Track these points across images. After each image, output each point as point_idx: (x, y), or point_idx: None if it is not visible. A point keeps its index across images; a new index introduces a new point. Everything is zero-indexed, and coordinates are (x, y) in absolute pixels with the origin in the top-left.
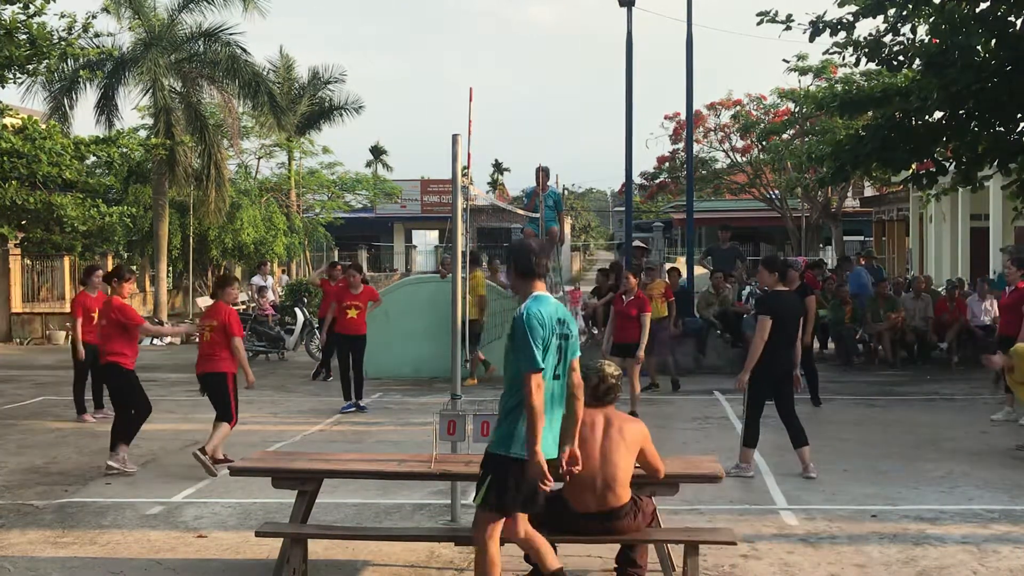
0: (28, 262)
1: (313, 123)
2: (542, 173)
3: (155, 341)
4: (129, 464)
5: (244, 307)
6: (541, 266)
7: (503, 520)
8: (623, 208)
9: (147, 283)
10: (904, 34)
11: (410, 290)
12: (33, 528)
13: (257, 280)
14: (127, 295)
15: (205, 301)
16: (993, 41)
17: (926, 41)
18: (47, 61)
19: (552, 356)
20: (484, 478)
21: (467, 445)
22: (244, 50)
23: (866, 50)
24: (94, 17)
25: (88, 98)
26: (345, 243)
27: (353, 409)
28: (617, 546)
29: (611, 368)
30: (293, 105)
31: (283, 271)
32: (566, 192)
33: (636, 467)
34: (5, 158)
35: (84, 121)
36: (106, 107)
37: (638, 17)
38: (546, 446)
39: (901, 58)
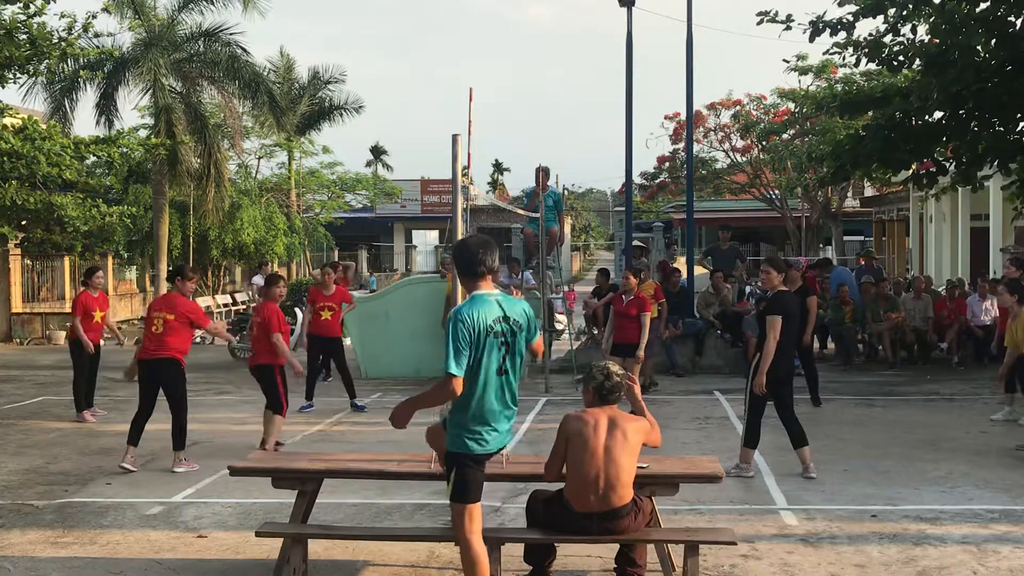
0: (28, 262)
1: (313, 123)
2: (542, 173)
3: None
4: (189, 463)
5: (244, 307)
6: (481, 265)
7: (478, 511)
8: (623, 208)
9: (147, 283)
10: (904, 34)
11: (410, 290)
12: (33, 528)
13: (258, 280)
14: (189, 293)
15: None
16: (993, 41)
17: (926, 41)
18: (47, 61)
19: (494, 354)
20: (449, 474)
21: None
22: (244, 50)
23: (866, 50)
24: (94, 17)
25: (88, 98)
26: (345, 243)
27: (312, 408)
28: (616, 546)
29: (616, 367)
30: (293, 105)
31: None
32: (566, 192)
33: (640, 468)
34: (5, 159)
35: (84, 121)
36: (106, 107)
37: (638, 17)
38: (495, 442)
39: (901, 58)
